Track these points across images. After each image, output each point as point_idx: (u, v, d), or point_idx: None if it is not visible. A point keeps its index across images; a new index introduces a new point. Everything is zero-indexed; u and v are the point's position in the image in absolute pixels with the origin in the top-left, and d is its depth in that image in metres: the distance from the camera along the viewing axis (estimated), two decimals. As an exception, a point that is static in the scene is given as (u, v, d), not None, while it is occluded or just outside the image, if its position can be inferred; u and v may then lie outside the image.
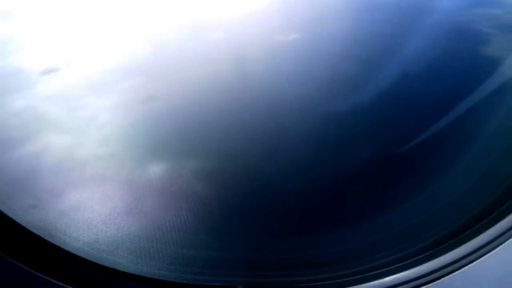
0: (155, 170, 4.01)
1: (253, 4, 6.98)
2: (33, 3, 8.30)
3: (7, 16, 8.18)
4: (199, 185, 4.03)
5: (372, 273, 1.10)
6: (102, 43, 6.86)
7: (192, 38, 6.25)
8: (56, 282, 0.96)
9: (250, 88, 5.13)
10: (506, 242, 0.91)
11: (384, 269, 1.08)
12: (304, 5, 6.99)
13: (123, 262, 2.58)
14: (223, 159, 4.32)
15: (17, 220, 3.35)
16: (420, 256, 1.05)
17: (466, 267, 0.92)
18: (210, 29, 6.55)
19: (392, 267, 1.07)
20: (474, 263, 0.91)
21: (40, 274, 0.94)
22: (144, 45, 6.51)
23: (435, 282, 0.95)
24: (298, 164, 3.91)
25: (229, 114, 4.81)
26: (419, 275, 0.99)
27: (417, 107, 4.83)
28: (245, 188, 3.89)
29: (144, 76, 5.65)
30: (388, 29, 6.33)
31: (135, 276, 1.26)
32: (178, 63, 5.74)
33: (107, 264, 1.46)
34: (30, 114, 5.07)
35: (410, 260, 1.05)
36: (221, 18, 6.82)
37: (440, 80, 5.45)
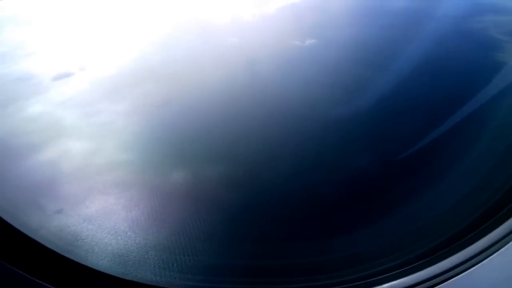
0: (173, 175, 3.98)
1: (269, 10, 7.02)
2: (46, 8, 8.32)
3: (19, 21, 8.20)
4: (216, 190, 4.01)
5: (371, 279, 1.07)
6: (115, 48, 6.86)
7: (206, 44, 6.27)
8: None
9: (265, 93, 5.12)
10: (507, 246, 0.88)
11: (384, 275, 1.05)
12: (318, 11, 7.03)
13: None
14: (240, 164, 4.30)
15: (43, 226, 3.26)
16: (420, 262, 1.02)
17: (466, 272, 0.90)
18: (225, 34, 6.58)
19: (391, 273, 1.05)
20: (474, 267, 0.89)
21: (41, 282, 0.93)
22: (158, 50, 6.52)
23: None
24: (303, 170, 3.94)
25: (244, 119, 4.79)
26: (419, 280, 0.96)
27: (420, 112, 4.84)
28: (258, 194, 3.88)
29: (158, 81, 5.64)
30: (399, 35, 6.36)
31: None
32: (192, 68, 5.75)
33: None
34: (45, 120, 5.04)
35: (410, 266, 1.03)
36: (236, 23, 6.85)
37: (445, 85, 5.48)
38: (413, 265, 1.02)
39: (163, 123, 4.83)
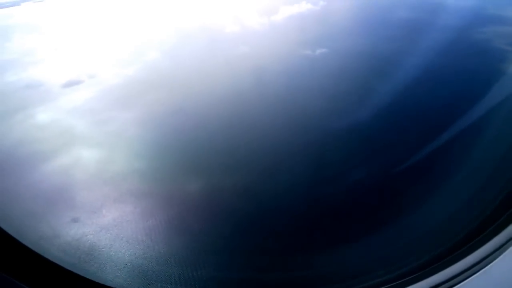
0: (188, 184, 3.97)
1: (277, 20, 7.08)
2: (55, 16, 8.33)
3: (28, 28, 8.18)
4: (226, 198, 3.99)
5: None
6: (125, 55, 6.87)
7: (217, 52, 6.29)
8: None
9: (275, 101, 5.14)
10: (504, 254, 0.89)
11: (386, 286, 1.04)
12: (324, 21, 7.08)
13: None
14: (252, 173, 4.31)
15: (60, 235, 3.21)
16: (419, 273, 1.01)
17: (467, 281, 0.90)
18: (236, 43, 6.61)
19: (391, 284, 1.04)
20: (476, 274, 0.89)
21: None
22: (168, 58, 6.54)
23: None
24: (313, 179, 4.00)
25: (254, 127, 4.79)
26: None
27: (425, 122, 4.91)
28: (273, 203, 3.88)
29: (169, 89, 5.64)
30: (405, 46, 6.42)
31: None
32: (203, 77, 5.77)
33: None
34: (55, 128, 5.02)
35: (409, 278, 1.02)
36: (247, 33, 6.90)
37: (449, 94, 5.55)
38: (413, 276, 1.01)
39: (175, 131, 4.82)
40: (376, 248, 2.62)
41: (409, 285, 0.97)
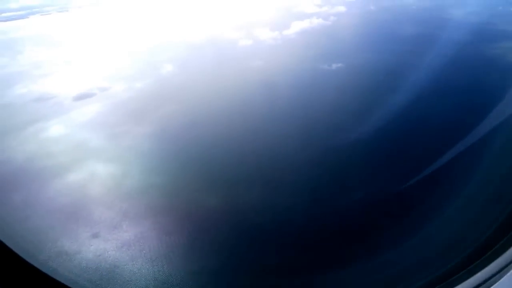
0: (207, 201, 3.89)
1: (293, 35, 7.11)
2: (66, 28, 8.29)
3: (38, 41, 8.11)
4: (243, 212, 3.90)
5: None
6: (137, 68, 6.81)
7: (232, 66, 6.28)
8: None
9: (290, 115, 5.10)
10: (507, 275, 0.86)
11: None
12: (341, 37, 7.14)
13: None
14: (268, 187, 4.24)
15: (81, 251, 3.13)
16: None
17: None
18: (251, 57, 6.61)
19: None
20: None
21: None
22: (181, 72, 6.50)
23: None
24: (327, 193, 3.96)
25: (269, 140, 4.74)
26: None
27: (434, 138, 4.92)
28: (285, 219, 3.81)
29: (182, 102, 5.58)
30: (421, 61, 6.48)
31: None
32: (217, 90, 5.72)
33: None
34: (68, 142, 4.90)
35: None
36: (262, 47, 6.90)
37: (458, 107, 5.58)
38: None
39: (189, 144, 4.75)
40: (382, 268, 2.59)
41: None
